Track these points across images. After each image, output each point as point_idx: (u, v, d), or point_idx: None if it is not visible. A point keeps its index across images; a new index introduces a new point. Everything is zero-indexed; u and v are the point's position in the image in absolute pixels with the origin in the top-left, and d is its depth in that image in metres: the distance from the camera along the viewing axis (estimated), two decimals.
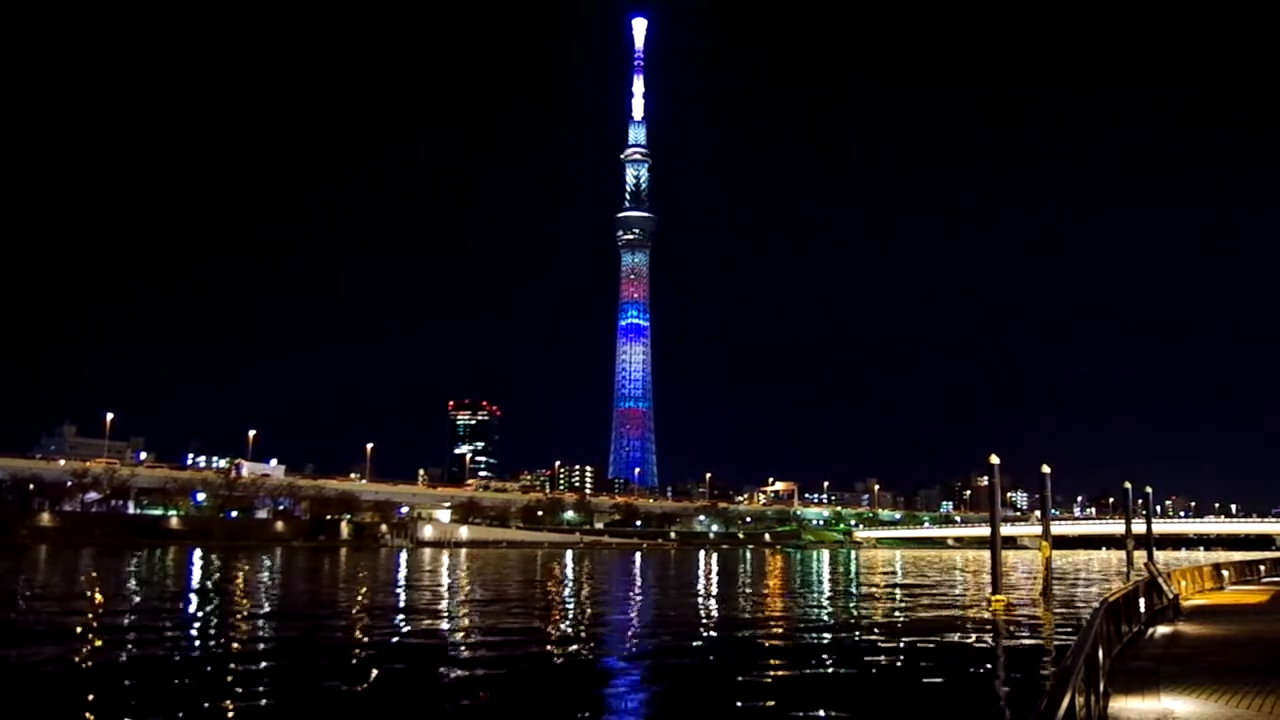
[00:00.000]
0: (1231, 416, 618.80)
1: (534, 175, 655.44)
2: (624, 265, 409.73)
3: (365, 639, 29.12)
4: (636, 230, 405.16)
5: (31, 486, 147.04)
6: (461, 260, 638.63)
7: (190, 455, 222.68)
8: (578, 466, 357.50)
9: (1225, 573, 39.76)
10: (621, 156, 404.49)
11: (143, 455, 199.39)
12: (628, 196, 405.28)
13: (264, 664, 23.22)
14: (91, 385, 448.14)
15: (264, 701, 18.29)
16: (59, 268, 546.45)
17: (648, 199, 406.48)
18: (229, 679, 20.73)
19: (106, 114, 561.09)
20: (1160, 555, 73.18)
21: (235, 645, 27.05)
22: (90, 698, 17.92)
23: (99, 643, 26.56)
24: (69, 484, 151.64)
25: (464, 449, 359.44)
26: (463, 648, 27.58)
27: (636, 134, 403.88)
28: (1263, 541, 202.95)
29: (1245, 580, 42.99)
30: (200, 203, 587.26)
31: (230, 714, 16.98)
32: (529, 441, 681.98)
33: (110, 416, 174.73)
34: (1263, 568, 49.25)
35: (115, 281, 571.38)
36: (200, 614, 36.71)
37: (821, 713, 17.37)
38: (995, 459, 41.62)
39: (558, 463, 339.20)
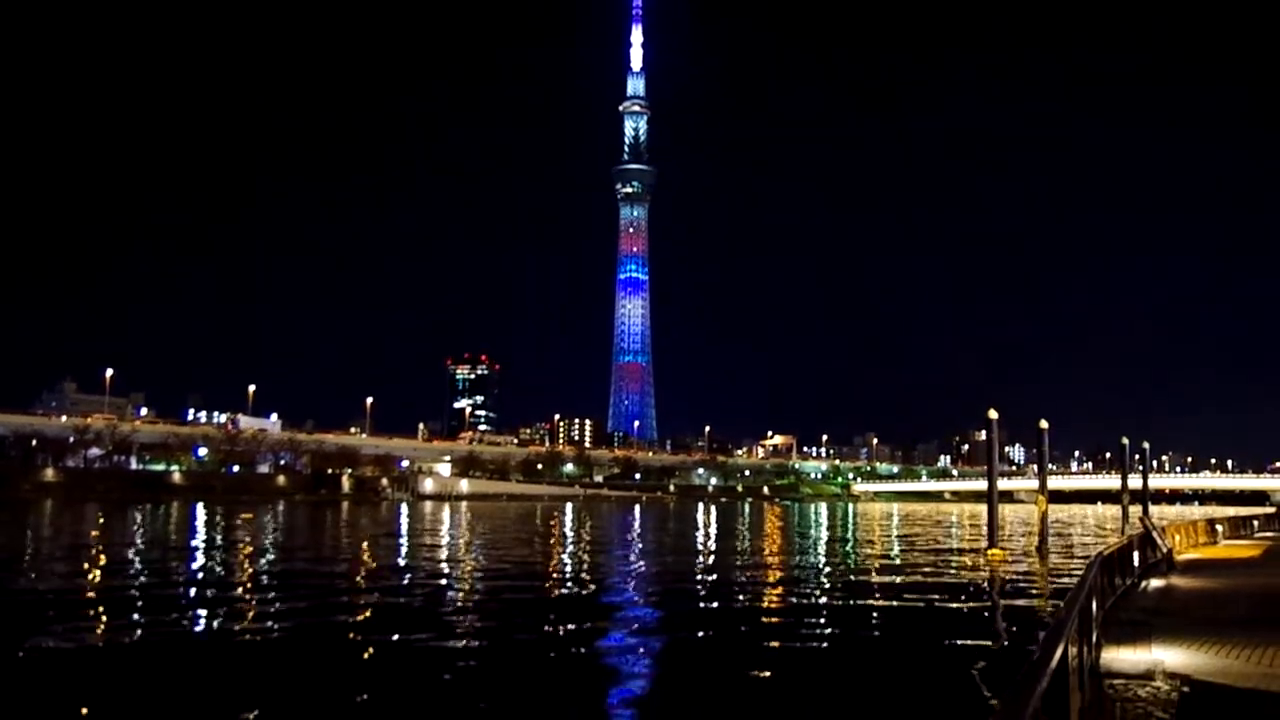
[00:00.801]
0: (1228, 374, 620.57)
1: (532, 128, 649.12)
2: (623, 219, 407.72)
3: (367, 584, 29.70)
4: (635, 183, 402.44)
5: (34, 443, 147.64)
6: (460, 214, 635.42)
7: (190, 411, 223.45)
8: (577, 420, 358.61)
9: (1219, 527, 40.14)
10: (620, 108, 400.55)
11: (143, 411, 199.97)
12: (626, 149, 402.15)
13: (268, 610, 23.55)
14: (90, 342, 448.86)
15: (269, 647, 18.59)
16: (56, 225, 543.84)
17: (647, 152, 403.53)
18: (237, 627, 21.20)
19: (109, 68, 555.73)
20: (1155, 510, 73.84)
21: (241, 592, 27.45)
22: (98, 648, 18.23)
23: (107, 597, 26.89)
24: (71, 440, 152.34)
25: (463, 403, 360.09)
26: (463, 592, 28.07)
27: (635, 85, 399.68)
28: (1257, 497, 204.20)
29: (1238, 535, 43.40)
30: (200, 159, 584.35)
31: (236, 657, 17.31)
32: (528, 395, 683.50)
33: (110, 373, 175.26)
34: (1256, 523, 49.68)
35: (114, 239, 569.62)
36: (208, 563, 37.15)
37: (816, 660, 17.70)
38: (994, 413, 41.90)
39: (557, 416, 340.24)
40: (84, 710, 13.55)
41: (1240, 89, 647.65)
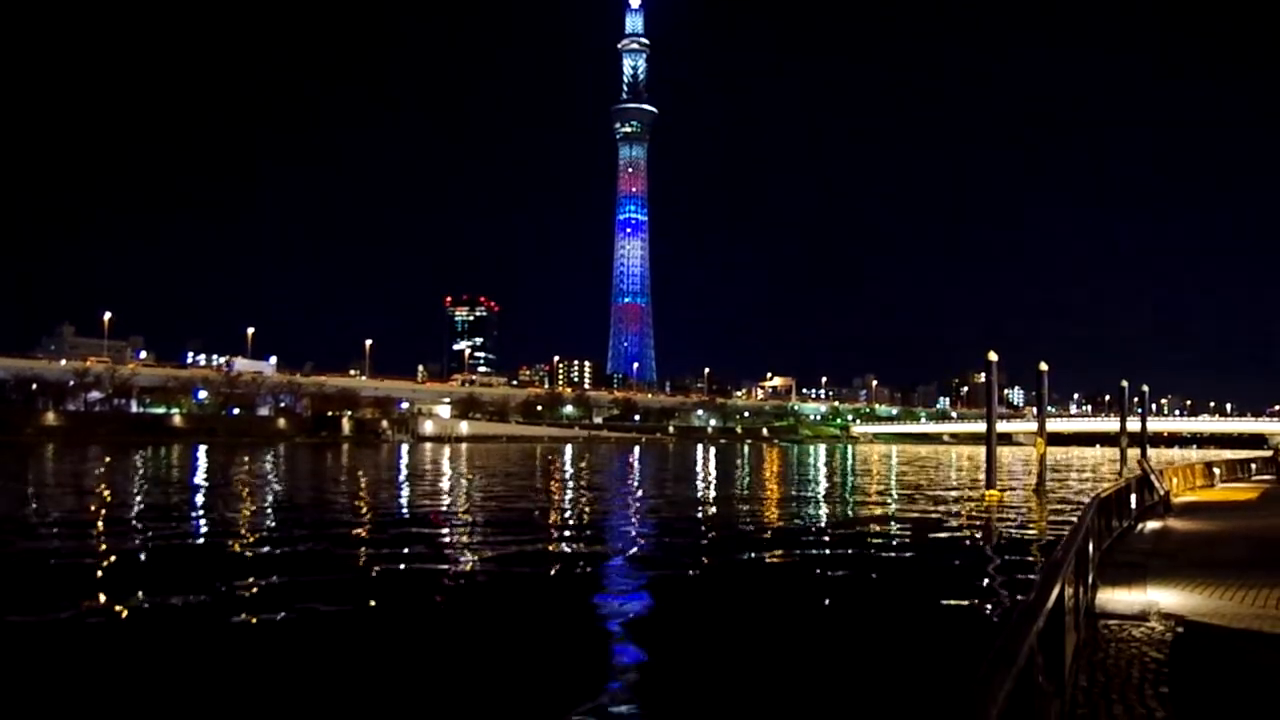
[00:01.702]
0: (1229, 318, 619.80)
1: (530, 68, 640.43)
2: (621, 159, 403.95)
3: (369, 520, 29.93)
4: (634, 123, 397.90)
5: (34, 386, 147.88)
6: (458, 155, 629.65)
7: (190, 354, 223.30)
8: (576, 362, 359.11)
9: (1216, 470, 40.32)
10: (619, 46, 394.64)
11: (142, 354, 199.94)
12: (625, 88, 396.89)
13: (274, 549, 23.71)
14: (88, 287, 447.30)
15: (274, 581, 18.74)
16: (52, 168, 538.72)
17: (646, 91, 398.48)
18: (244, 559, 21.46)
19: (100, 10, 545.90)
20: (1154, 453, 74.25)
21: (246, 528, 27.64)
22: (106, 579, 18.37)
23: (115, 531, 27.06)
24: (71, 383, 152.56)
25: (463, 345, 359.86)
26: (464, 526, 28.32)
27: (634, 23, 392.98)
28: (1255, 440, 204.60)
29: (1236, 478, 43.59)
30: (197, 103, 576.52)
31: (243, 592, 17.45)
32: (528, 337, 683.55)
33: (109, 316, 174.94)
34: (1253, 466, 49.86)
35: (110, 182, 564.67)
36: (213, 502, 37.38)
37: (814, 599, 17.87)
38: (993, 356, 41.89)
39: (556, 358, 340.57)
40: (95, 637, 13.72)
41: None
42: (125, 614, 16.00)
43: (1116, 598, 11.43)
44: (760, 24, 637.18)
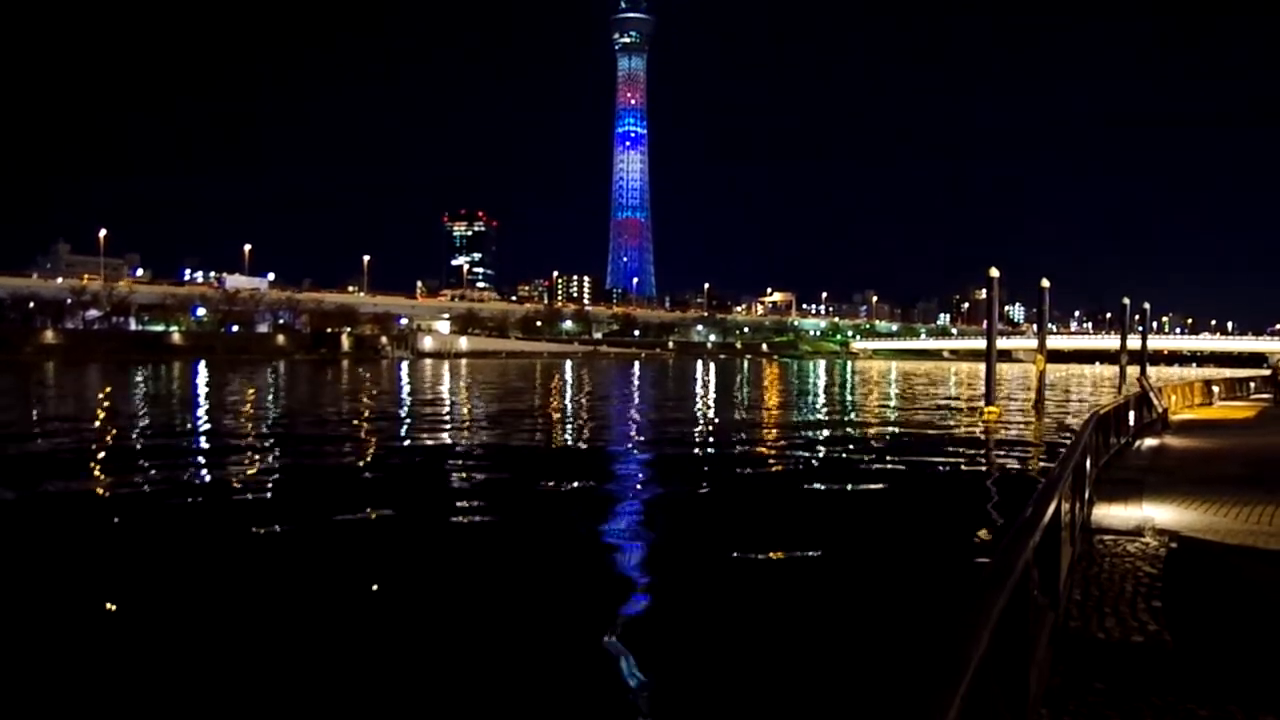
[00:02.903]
0: (1232, 236, 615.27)
1: None
2: (620, 70, 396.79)
3: (370, 431, 30.17)
4: (633, 33, 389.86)
5: (32, 305, 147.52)
6: (456, 68, 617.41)
7: (187, 271, 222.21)
8: (575, 277, 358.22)
9: (1215, 389, 40.37)
10: None
11: (139, 272, 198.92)
12: None
13: (279, 460, 23.96)
14: (82, 204, 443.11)
15: (280, 487, 19.00)
16: (45, 86, 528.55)
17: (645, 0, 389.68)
18: (250, 472, 21.63)
19: None
20: (1153, 371, 74.36)
21: (248, 442, 27.86)
22: (112, 497, 18.60)
23: (123, 448, 27.27)
24: (69, 301, 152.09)
25: (461, 260, 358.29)
26: (464, 436, 28.53)
27: None
28: (1255, 359, 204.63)
29: (1234, 396, 43.68)
30: (197, 20, 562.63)
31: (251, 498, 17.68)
32: (527, 253, 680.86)
33: (104, 233, 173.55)
34: (1252, 385, 49.87)
35: (106, 100, 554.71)
36: (213, 416, 37.60)
37: (810, 511, 18.06)
38: (994, 272, 41.64)
39: (556, 273, 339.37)
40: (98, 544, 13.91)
41: None
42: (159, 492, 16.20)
43: (1112, 513, 11.52)
44: None
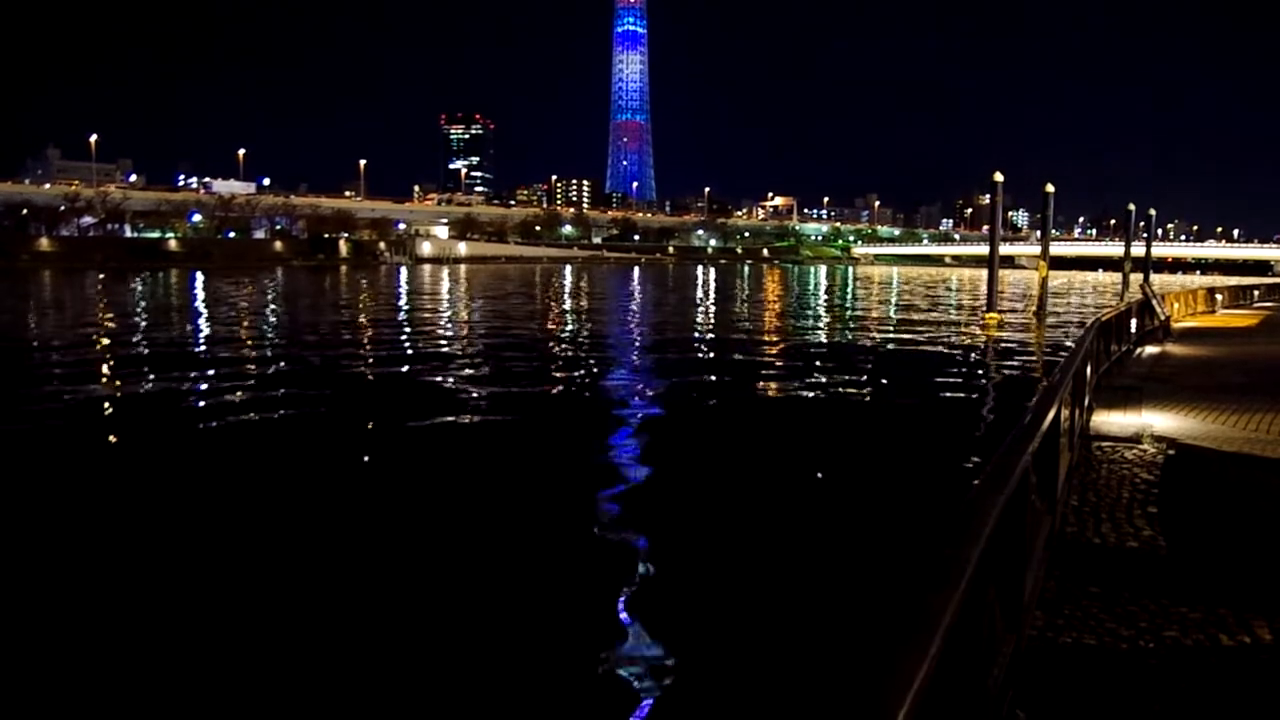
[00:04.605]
0: (1239, 144, 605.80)
1: None
2: None
3: (372, 335, 30.28)
4: None
5: (24, 212, 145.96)
6: None
7: (181, 176, 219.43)
8: (575, 181, 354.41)
9: (1218, 296, 40.26)
10: None
11: (132, 177, 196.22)
12: None
13: (285, 366, 24.06)
14: (73, 109, 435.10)
15: (284, 391, 19.15)
16: None
17: None
18: (253, 382, 21.76)
19: None
20: (1157, 278, 73.98)
21: (248, 350, 27.95)
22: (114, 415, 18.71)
23: (127, 356, 27.35)
24: (62, 208, 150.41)
25: (459, 164, 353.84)
26: (465, 337, 28.63)
27: None
28: (1260, 267, 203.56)
29: (1238, 304, 43.58)
30: None
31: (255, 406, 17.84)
32: (525, 156, 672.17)
33: (95, 138, 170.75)
34: (1256, 292, 49.73)
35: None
36: (215, 320, 37.63)
37: (810, 419, 18.19)
38: (999, 176, 41.10)
39: (554, 177, 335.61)
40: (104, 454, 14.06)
41: None
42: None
43: (1112, 420, 11.59)
44: None
